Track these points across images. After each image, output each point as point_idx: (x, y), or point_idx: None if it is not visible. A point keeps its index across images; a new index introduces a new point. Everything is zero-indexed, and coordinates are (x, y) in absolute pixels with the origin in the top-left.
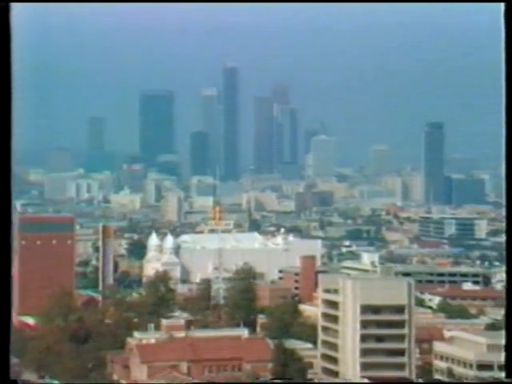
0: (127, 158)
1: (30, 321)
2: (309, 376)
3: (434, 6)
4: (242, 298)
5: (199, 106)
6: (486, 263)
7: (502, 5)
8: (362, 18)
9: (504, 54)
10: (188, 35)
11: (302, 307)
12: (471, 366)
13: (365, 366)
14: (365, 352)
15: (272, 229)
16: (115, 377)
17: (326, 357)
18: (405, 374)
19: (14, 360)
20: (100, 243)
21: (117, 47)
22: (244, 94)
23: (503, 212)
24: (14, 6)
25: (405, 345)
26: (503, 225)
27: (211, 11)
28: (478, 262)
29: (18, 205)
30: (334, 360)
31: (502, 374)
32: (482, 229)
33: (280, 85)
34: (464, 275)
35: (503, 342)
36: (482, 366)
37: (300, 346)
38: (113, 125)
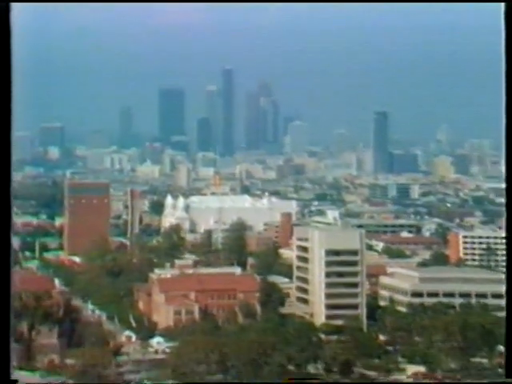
0: (149, 138)
1: (77, 259)
2: (286, 304)
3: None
4: (236, 245)
5: (204, 98)
6: (418, 217)
7: (502, 5)
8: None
9: (504, 54)
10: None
11: (281, 251)
12: (407, 293)
13: (328, 296)
14: (328, 285)
15: (258, 192)
16: (140, 303)
17: (299, 288)
18: (359, 301)
19: (64, 289)
20: (129, 202)
21: (129, 47)
22: (237, 89)
23: (431, 178)
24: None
25: (358, 279)
26: (431, 188)
27: (204, 11)
28: (412, 216)
29: (67, 173)
30: (305, 291)
31: (432, 300)
32: (415, 191)
33: (264, 82)
34: (402, 226)
35: (432, 275)
36: (415, 294)
37: (280, 281)
38: (138, 112)
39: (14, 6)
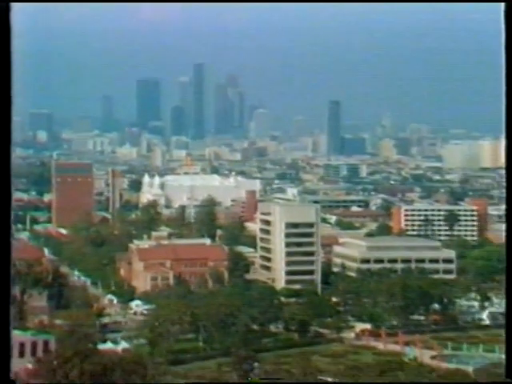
0: (128, 123)
1: (64, 231)
2: (251, 271)
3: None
4: (206, 219)
5: (177, 88)
6: (366, 193)
7: (502, 5)
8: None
9: (504, 54)
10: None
11: (247, 224)
12: (356, 260)
13: (288, 263)
14: (288, 254)
15: (226, 172)
16: (121, 270)
17: (263, 257)
18: (315, 267)
19: (52, 257)
20: (110, 181)
21: (113, 46)
22: (207, 81)
23: (377, 159)
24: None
25: (314, 248)
26: (377, 167)
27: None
28: (361, 192)
29: (54, 154)
30: (268, 259)
31: (377, 266)
32: (363, 171)
33: (232, 75)
34: (352, 201)
35: (378, 244)
36: (363, 261)
37: (245, 250)
38: (119, 101)
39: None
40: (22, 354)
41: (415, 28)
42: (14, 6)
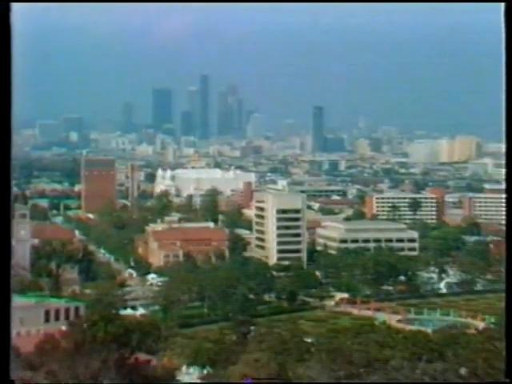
0: (145, 126)
1: (91, 216)
2: (248, 249)
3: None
4: (210, 206)
5: (186, 96)
6: (344, 184)
7: (502, 5)
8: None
9: (504, 54)
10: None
11: (244, 211)
12: (336, 240)
13: (279, 243)
14: (279, 235)
15: (227, 167)
16: (139, 248)
17: (258, 238)
18: (301, 246)
19: (82, 238)
20: (129, 174)
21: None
22: (211, 89)
23: (354, 156)
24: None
25: (300, 231)
26: (353, 163)
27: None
28: (340, 183)
29: (84, 152)
30: (262, 240)
31: (353, 245)
32: (342, 166)
33: (232, 84)
34: (332, 191)
35: (354, 226)
36: (341, 241)
37: (243, 232)
38: (137, 106)
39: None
40: (57, 318)
41: (392, 38)
42: (33, 8)
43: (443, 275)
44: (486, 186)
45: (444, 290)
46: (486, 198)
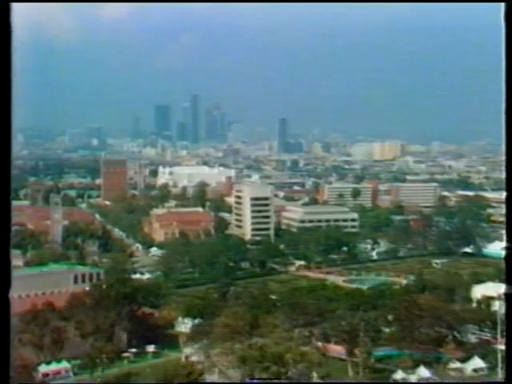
0: (149, 133)
1: (108, 203)
2: (229, 228)
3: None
4: (199, 195)
5: (181, 110)
6: (302, 178)
7: (502, 5)
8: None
9: (504, 54)
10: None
11: (226, 199)
12: (296, 221)
13: (252, 223)
14: (252, 217)
15: (212, 165)
16: (145, 228)
17: (236, 220)
18: (270, 226)
19: (101, 220)
20: (137, 170)
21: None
22: (200, 106)
23: (309, 156)
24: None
25: (269, 213)
26: (309, 161)
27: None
28: (300, 177)
29: (102, 154)
30: (240, 221)
31: (310, 224)
32: (301, 163)
33: (216, 103)
34: (293, 183)
35: (310, 210)
36: (301, 221)
37: (225, 215)
38: (144, 119)
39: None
40: (83, 281)
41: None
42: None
43: (376, 246)
44: (408, 177)
45: (376, 257)
46: (407, 186)
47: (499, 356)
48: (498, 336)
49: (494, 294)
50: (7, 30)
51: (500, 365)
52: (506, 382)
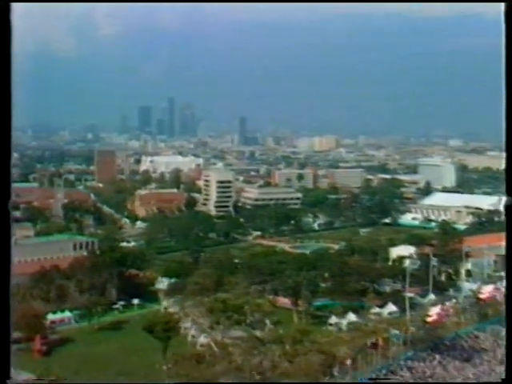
0: (134, 129)
1: (101, 185)
2: (198, 206)
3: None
4: (175, 179)
5: (160, 110)
6: (258, 165)
7: (502, 5)
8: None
9: (504, 54)
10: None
11: (196, 182)
12: (252, 199)
13: (216, 201)
14: (217, 197)
15: (186, 155)
16: (130, 205)
17: (204, 199)
18: (231, 204)
19: (95, 199)
20: (124, 159)
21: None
22: (175, 106)
23: (264, 147)
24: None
25: (231, 194)
26: (265, 152)
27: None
28: (256, 165)
29: (96, 145)
30: (207, 200)
31: (263, 202)
32: (257, 154)
33: (188, 103)
34: (251, 170)
35: (264, 191)
36: (256, 200)
37: (195, 196)
38: (130, 117)
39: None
40: (81, 248)
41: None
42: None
43: (316, 219)
44: (341, 164)
45: (316, 228)
46: (341, 172)
47: (407, 302)
48: (407, 286)
49: (406, 254)
50: (7, 30)
51: (408, 309)
52: (506, 381)
